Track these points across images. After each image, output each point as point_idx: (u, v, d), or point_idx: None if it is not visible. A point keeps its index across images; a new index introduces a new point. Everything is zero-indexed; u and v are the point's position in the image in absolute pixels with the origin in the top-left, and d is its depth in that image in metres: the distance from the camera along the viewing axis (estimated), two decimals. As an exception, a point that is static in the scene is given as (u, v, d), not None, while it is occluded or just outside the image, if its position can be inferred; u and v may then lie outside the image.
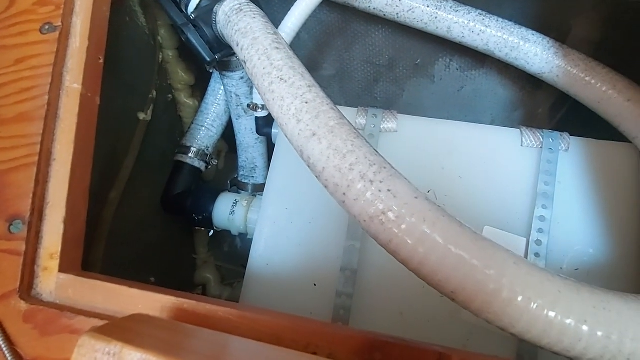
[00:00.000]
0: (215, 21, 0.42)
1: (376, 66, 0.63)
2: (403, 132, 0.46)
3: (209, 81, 0.61)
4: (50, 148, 0.28)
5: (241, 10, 0.38)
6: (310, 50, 0.64)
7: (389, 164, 0.26)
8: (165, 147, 0.61)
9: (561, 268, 0.41)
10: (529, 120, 0.61)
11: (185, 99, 0.67)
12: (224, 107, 0.56)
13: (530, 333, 0.22)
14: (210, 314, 0.24)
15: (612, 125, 0.44)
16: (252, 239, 0.47)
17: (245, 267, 0.53)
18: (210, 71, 0.56)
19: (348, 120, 0.29)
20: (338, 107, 0.29)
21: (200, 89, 0.66)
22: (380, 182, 0.25)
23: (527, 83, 0.58)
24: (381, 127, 0.46)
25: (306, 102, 0.28)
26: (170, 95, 0.66)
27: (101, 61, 0.32)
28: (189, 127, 0.58)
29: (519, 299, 0.22)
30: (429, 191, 0.45)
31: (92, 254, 0.43)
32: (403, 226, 0.24)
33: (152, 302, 0.24)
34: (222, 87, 0.55)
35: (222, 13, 0.40)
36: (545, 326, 0.22)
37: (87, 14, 0.31)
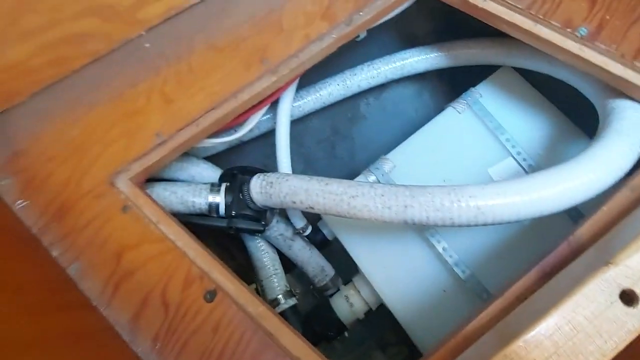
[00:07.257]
0: (250, 201, 0.52)
1: (324, 140, 0.80)
2: (399, 164, 0.63)
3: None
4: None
5: (271, 183, 0.50)
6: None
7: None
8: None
9: (531, 165, 0.60)
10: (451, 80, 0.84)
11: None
12: (271, 251, 0.66)
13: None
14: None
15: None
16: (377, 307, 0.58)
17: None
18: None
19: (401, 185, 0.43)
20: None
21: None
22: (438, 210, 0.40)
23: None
24: (386, 171, 0.62)
25: (382, 195, 0.42)
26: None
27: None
28: (261, 286, 0.66)
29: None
30: (444, 181, 0.61)
31: None
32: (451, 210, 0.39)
33: None
34: (258, 240, 0.65)
35: (255, 194, 0.51)
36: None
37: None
